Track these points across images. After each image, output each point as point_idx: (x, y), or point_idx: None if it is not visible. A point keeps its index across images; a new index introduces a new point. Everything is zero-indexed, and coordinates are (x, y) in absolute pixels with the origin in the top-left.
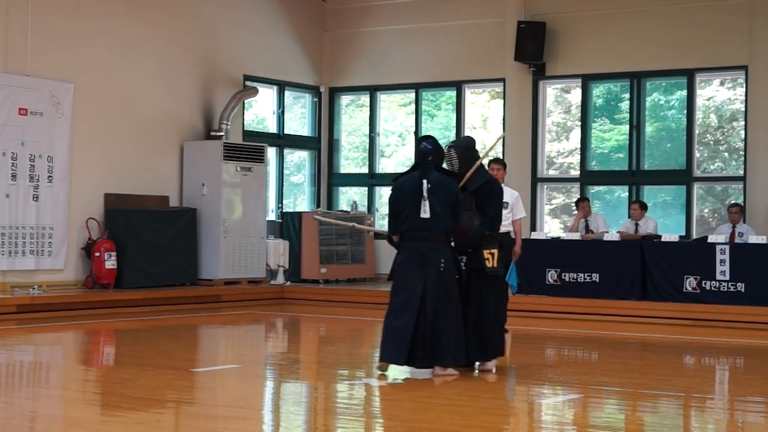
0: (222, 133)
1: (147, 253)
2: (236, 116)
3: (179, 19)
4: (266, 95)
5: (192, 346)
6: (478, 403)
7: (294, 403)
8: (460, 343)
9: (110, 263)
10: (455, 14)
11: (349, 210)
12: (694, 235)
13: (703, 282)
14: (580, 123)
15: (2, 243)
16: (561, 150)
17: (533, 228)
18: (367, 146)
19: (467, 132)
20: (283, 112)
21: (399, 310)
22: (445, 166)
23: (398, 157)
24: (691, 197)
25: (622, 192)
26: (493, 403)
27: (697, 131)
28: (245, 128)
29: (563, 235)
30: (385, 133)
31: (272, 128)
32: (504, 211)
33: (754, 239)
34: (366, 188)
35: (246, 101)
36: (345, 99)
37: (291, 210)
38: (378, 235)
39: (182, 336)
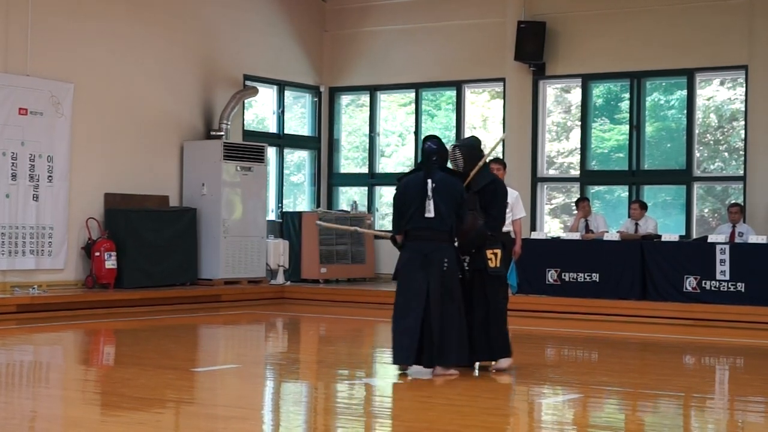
0: (222, 133)
1: (147, 253)
2: (236, 116)
3: (179, 19)
4: (266, 95)
5: (192, 346)
6: (478, 403)
7: (294, 403)
8: (463, 343)
9: (110, 263)
10: (455, 14)
11: (349, 210)
12: (694, 235)
13: (703, 282)
14: (580, 123)
15: (2, 243)
16: (561, 150)
17: (533, 228)
18: (367, 146)
19: (467, 132)
20: (283, 112)
21: (404, 310)
22: (450, 165)
23: (398, 157)
24: (691, 197)
25: (622, 192)
26: (493, 403)
27: (697, 131)
28: (245, 128)
29: (563, 235)
30: (385, 133)
31: (272, 128)
32: None
33: (754, 239)
34: (366, 188)
35: (246, 101)
36: (345, 99)
37: (291, 210)
38: (379, 237)
39: (182, 336)
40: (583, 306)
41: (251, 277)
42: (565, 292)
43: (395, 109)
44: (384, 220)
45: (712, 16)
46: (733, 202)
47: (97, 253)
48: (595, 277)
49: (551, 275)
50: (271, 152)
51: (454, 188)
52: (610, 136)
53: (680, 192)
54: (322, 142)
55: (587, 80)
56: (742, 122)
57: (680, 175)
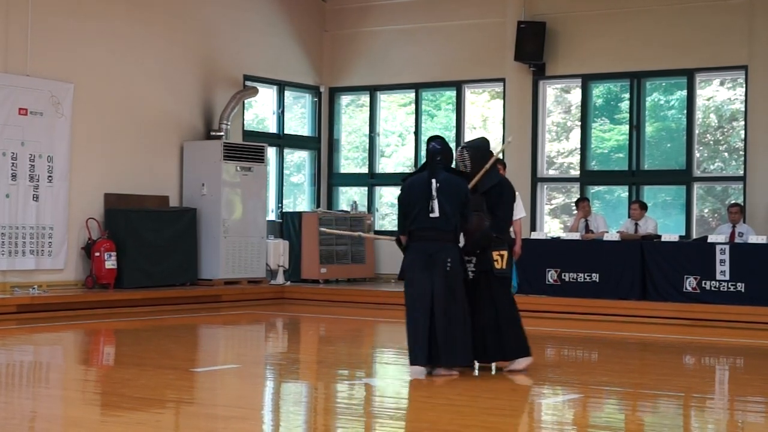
0: (222, 133)
1: (147, 253)
2: (236, 116)
3: (179, 19)
4: (266, 95)
5: (192, 346)
6: (478, 403)
7: (294, 403)
8: (467, 343)
9: (110, 263)
10: (455, 14)
11: (349, 210)
12: (694, 235)
13: (703, 282)
14: (580, 123)
15: (2, 243)
16: (561, 150)
17: (533, 228)
18: (367, 146)
19: (467, 132)
20: (283, 112)
21: (412, 311)
22: (457, 166)
23: (398, 157)
24: (691, 197)
25: (622, 192)
26: (493, 403)
27: (697, 131)
28: (245, 128)
29: (563, 235)
30: (385, 133)
31: (272, 128)
32: None
33: (754, 239)
34: (366, 188)
35: (246, 101)
36: (345, 99)
37: (291, 210)
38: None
39: (182, 336)
40: (583, 306)
41: (251, 278)
42: (565, 292)
43: (395, 109)
44: (384, 220)
45: (712, 16)
46: (733, 202)
47: (97, 253)
48: (595, 277)
49: (551, 275)
50: (271, 152)
51: (458, 188)
52: (610, 137)
53: (680, 192)
54: (322, 142)
55: (587, 80)
56: (742, 122)
57: (680, 175)
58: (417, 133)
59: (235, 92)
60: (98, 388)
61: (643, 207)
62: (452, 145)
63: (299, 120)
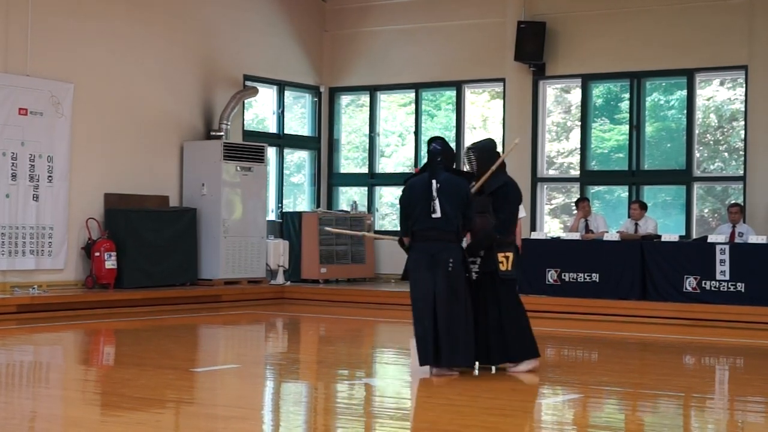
0: (222, 133)
1: (147, 253)
2: (236, 116)
3: (179, 19)
4: (266, 95)
5: (192, 346)
6: (478, 403)
7: (294, 403)
8: (469, 344)
9: (110, 263)
10: (455, 14)
11: (349, 210)
12: (694, 235)
13: (703, 282)
14: (580, 123)
15: (2, 243)
16: (561, 150)
17: (533, 228)
18: (367, 146)
19: (467, 132)
20: (283, 112)
21: (418, 312)
22: (466, 167)
23: (398, 157)
24: (691, 197)
25: (622, 192)
26: (493, 403)
27: (697, 131)
28: (245, 128)
29: (563, 235)
30: (385, 133)
31: (272, 128)
32: None
33: (754, 239)
34: (366, 188)
35: (246, 101)
36: (345, 99)
37: (291, 210)
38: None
39: (182, 336)
40: (583, 306)
41: (251, 278)
42: (565, 292)
43: (395, 109)
44: (384, 220)
45: (712, 16)
46: (733, 202)
47: (97, 253)
48: (595, 277)
49: (551, 275)
50: (271, 152)
51: (458, 188)
52: (610, 136)
53: (680, 192)
54: (322, 142)
55: (587, 80)
56: (742, 122)
57: (680, 175)
58: (417, 133)
59: (235, 92)
60: (98, 388)
61: (643, 207)
62: (453, 145)
63: (299, 120)
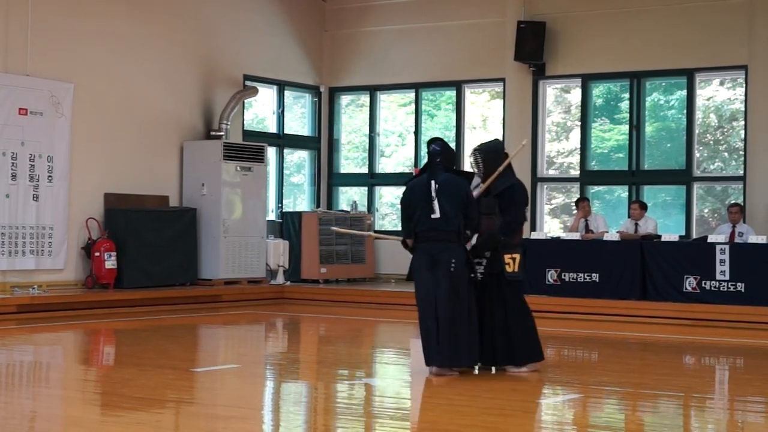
0: (222, 133)
1: (147, 253)
2: (236, 116)
3: (179, 19)
4: (266, 95)
5: (192, 346)
6: (478, 403)
7: (294, 403)
8: (470, 344)
9: (110, 263)
10: (455, 14)
11: (349, 210)
12: (694, 235)
13: (703, 282)
14: (580, 123)
15: (2, 243)
16: (561, 150)
17: (533, 228)
18: (367, 146)
19: (467, 132)
20: (283, 111)
21: (422, 312)
22: (473, 169)
23: (398, 157)
24: (691, 197)
25: (622, 192)
26: (493, 403)
27: (697, 131)
28: (245, 128)
29: (563, 235)
30: (385, 133)
31: (272, 128)
32: None
33: (754, 239)
34: (366, 188)
35: (246, 101)
36: (345, 99)
37: (291, 210)
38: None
39: (182, 336)
40: (583, 306)
41: (251, 277)
42: (565, 292)
43: (395, 109)
44: (384, 220)
45: (712, 16)
46: (733, 202)
47: (97, 253)
48: (595, 277)
49: (551, 275)
50: (271, 152)
51: (458, 188)
52: (610, 136)
53: (680, 192)
54: (322, 142)
55: (587, 80)
56: (742, 122)
57: (680, 175)
58: (417, 133)
59: (235, 92)
60: (98, 388)
61: (643, 207)
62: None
63: (299, 120)
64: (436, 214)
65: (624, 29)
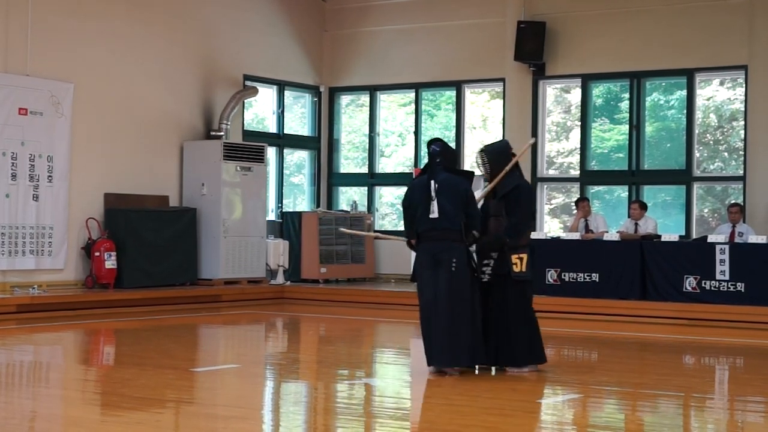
0: (222, 133)
1: (147, 253)
2: (236, 116)
3: (179, 19)
4: (266, 95)
5: (192, 345)
6: (478, 403)
7: (294, 403)
8: (472, 344)
9: (110, 263)
10: (455, 14)
11: (349, 210)
12: (694, 235)
13: (703, 282)
14: (579, 123)
15: (2, 243)
16: (561, 150)
17: (533, 228)
18: (367, 146)
19: (467, 132)
20: (282, 111)
21: (424, 312)
22: (480, 169)
23: (398, 157)
24: (691, 197)
25: (621, 192)
26: (493, 403)
27: (696, 131)
28: (245, 128)
29: (563, 235)
30: (385, 133)
31: (272, 128)
32: None
33: (753, 239)
34: (366, 188)
35: (246, 101)
36: (345, 99)
37: (291, 210)
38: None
39: (182, 336)
40: (583, 306)
41: (251, 277)
42: (565, 292)
43: (395, 109)
44: (384, 220)
45: (712, 16)
46: (732, 202)
47: (97, 253)
48: (595, 277)
49: (551, 275)
50: (271, 152)
51: (457, 187)
52: (610, 136)
53: (680, 192)
54: (322, 142)
55: (587, 80)
56: (742, 122)
57: (680, 175)
58: (417, 133)
59: (235, 92)
60: (98, 388)
61: (643, 207)
62: (452, 145)
63: (299, 120)
64: (434, 214)
65: (624, 29)
